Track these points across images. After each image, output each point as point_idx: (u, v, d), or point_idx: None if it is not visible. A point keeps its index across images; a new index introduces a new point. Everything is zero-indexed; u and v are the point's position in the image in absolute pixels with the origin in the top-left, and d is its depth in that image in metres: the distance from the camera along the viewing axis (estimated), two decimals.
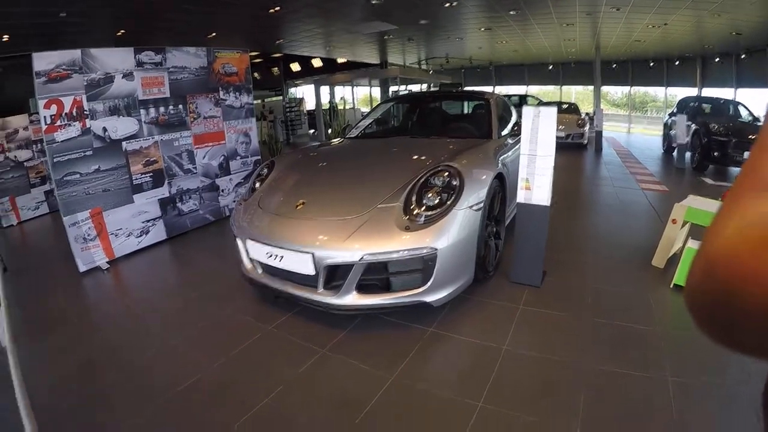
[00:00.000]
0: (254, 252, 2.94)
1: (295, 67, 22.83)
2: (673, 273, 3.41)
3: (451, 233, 2.68)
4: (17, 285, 4.14)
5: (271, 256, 2.78)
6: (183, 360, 2.60)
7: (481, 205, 2.96)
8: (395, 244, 2.55)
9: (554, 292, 3.32)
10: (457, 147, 3.62)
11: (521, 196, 3.35)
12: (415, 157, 3.54)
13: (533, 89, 23.51)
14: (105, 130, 4.36)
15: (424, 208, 2.74)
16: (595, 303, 3.16)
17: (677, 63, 18.41)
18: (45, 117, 3.98)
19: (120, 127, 4.47)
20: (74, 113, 4.13)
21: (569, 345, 2.61)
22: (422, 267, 2.62)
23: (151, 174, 4.76)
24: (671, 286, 3.35)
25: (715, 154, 8.45)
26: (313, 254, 2.59)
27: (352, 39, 14.47)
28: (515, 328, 2.79)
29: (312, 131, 18.73)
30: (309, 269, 2.62)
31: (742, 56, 14.63)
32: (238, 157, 5.79)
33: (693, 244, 3.37)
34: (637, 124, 21.98)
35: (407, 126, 5.31)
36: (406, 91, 17.89)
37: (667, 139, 11.61)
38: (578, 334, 2.74)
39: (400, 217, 2.68)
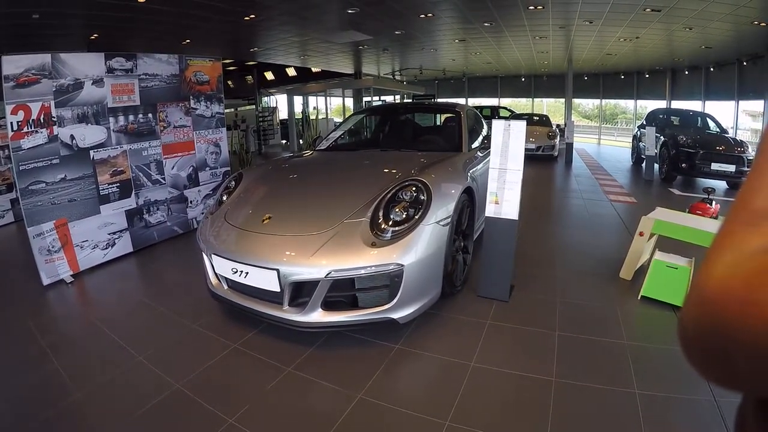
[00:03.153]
0: (220, 267, 2.88)
1: (270, 76, 22.71)
2: (640, 285, 3.48)
3: (418, 249, 2.67)
4: None
5: (236, 272, 2.72)
6: (148, 379, 2.52)
7: (449, 219, 2.96)
8: (361, 261, 2.53)
9: (522, 306, 3.33)
10: (427, 160, 3.64)
11: (490, 210, 3.37)
12: (384, 170, 3.53)
13: (506, 101, 23.89)
14: (73, 138, 4.22)
15: (391, 223, 2.73)
16: (563, 317, 3.17)
17: (647, 75, 18.98)
18: (12, 123, 3.82)
19: (88, 135, 4.34)
20: (42, 120, 3.99)
21: (537, 360, 2.62)
22: (388, 283, 2.60)
23: (119, 184, 4.63)
24: (638, 297, 3.42)
25: (683, 165, 8.72)
26: (278, 271, 2.55)
27: (327, 48, 14.45)
28: (483, 343, 2.79)
29: (285, 141, 18.58)
30: (274, 286, 2.58)
31: (711, 69, 15.12)
32: (208, 168, 5.70)
33: (660, 257, 3.46)
34: (607, 135, 22.53)
35: (377, 138, 5.33)
36: (380, 102, 17.97)
37: (636, 151, 11.92)
38: (546, 349, 2.75)
39: (367, 232, 2.66)
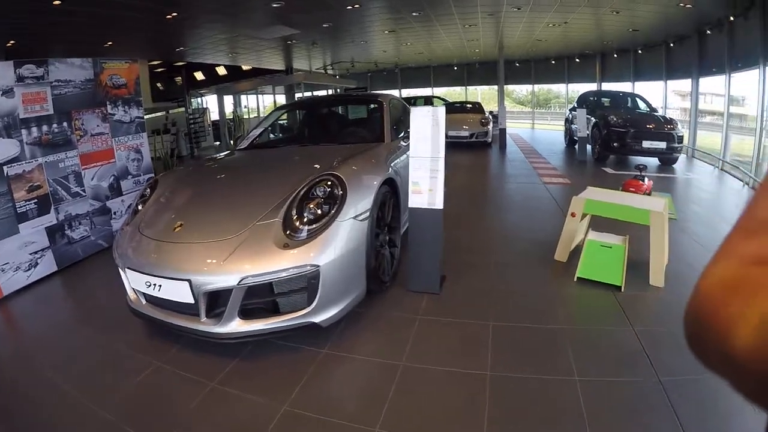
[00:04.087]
0: (134, 282, 2.75)
1: (199, 76, 21.92)
2: (575, 266, 3.52)
3: (335, 247, 2.58)
4: None
5: (150, 285, 2.60)
6: (70, 409, 2.39)
7: (368, 214, 2.89)
8: (274, 264, 2.43)
9: (455, 297, 3.30)
10: (346, 153, 3.54)
11: (412, 201, 3.32)
12: (300, 166, 3.45)
13: (440, 91, 24.22)
14: None
15: (305, 221, 2.63)
16: (498, 305, 3.15)
17: (578, 60, 19.66)
18: None
19: (1, 149, 4.03)
20: None
21: (471, 353, 2.57)
22: (305, 286, 2.50)
23: (36, 200, 4.33)
24: (575, 279, 3.46)
25: (615, 144, 9.10)
26: (190, 281, 2.43)
27: (256, 45, 14.10)
28: (413, 340, 2.73)
29: (218, 143, 18.04)
30: (188, 297, 2.47)
31: (640, 51, 15.87)
32: (130, 176, 5.44)
33: (593, 236, 3.51)
34: (541, 120, 23.30)
35: (298, 133, 5.25)
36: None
37: (569, 133, 12.39)
38: (480, 340, 2.70)
39: (280, 233, 2.56)
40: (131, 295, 2.90)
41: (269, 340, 2.73)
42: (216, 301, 2.51)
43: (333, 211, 2.67)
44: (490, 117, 13.40)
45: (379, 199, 3.11)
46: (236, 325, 2.45)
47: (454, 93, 25.43)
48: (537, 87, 23.58)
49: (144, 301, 2.81)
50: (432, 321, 2.95)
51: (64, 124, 4.60)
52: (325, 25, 11.78)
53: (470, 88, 24.59)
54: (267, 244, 2.49)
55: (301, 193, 2.76)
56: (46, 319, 3.69)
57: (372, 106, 5.05)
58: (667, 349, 2.55)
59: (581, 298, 3.30)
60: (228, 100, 20.58)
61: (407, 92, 24.90)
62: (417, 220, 3.33)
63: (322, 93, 20.50)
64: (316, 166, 3.22)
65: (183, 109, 17.50)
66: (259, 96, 22.12)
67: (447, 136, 11.05)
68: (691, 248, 4.34)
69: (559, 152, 11.79)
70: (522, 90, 26.46)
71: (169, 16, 8.95)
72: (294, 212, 2.66)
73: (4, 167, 4.07)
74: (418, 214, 3.30)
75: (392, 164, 3.66)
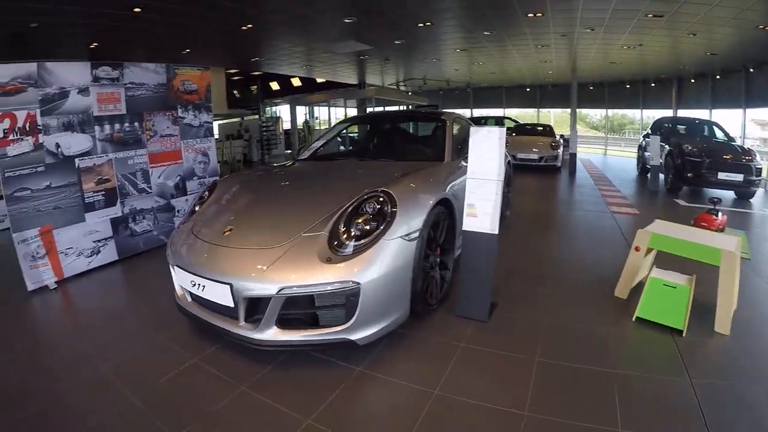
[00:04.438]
0: (181, 279, 2.81)
1: (275, 86, 22.89)
2: (635, 305, 3.21)
3: (379, 265, 2.49)
4: None
5: (195, 284, 2.65)
6: (103, 390, 2.48)
7: (417, 234, 2.78)
8: (314, 277, 2.38)
9: (503, 327, 3.10)
10: (403, 170, 3.47)
11: (467, 224, 3.17)
12: (355, 181, 3.37)
13: (512, 112, 23.83)
14: (58, 146, 4.25)
15: (351, 237, 2.56)
16: (547, 340, 2.92)
17: (653, 84, 18.80)
18: None
19: (73, 143, 4.36)
20: (27, 128, 4.02)
21: (510, 390, 2.39)
22: (344, 302, 2.43)
23: (104, 192, 4.64)
24: (633, 319, 3.16)
25: (689, 174, 8.46)
26: (231, 285, 2.45)
27: (329, 58, 14.54)
28: (452, 369, 2.58)
29: (288, 151, 18.65)
30: (228, 301, 2.49)
31: (718, 77, 14.95)
32: (196, 178, 5.67)
33: (657, 274, 3.19)
34: (614, 146, 22.34)
35: (359, 147, 5.24)
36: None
37: (642, 161, 11.74)
38: (523, 376, 2.51)
39: (324, 247, 2.51)
40: (179, 291, 2.99)
41: (306, 352, 2.71)
42: (256, 307, 2.50)
43: (381, 229, 2.60)
44: (561, 141, 12.99)
45: (432, 219, 3.00)
46: (272, 334, 2.43)
47: (527, 115, 24.92)
48: (611, 112, 22.72)
49: (189, 299, 2.88)
50: (475, 350, 2.79)
51: (136, 124, 4.90)
52: (397, 42, 11.96)
53: (543, 110, 24.04)
54: (310, 257, 2.46)
55: (351, 207, 2.72)
56: (98, 304, 3.91)
57: (435, 124, 4.93)
58: (726, 407, 2.25)
59: (638, 340, 3.01)
60: (300, 110, 21.29)
61: (479, 112, 24.72)
62: (470, 244, 3.17)
63: (393, 109, 20.75)
64: (370, 181, 3.11)
65: (257, 116, 18.29)
66: (331, 108, 22.75)
67: (515, 158, 10.82)
68: (764, 293, 3.91)
69: (630, 180, 11.17)
70: (596, 114, 25.50)
71: (244, 28, 9.42)
72: (341, 227, 2.61)
73: (76, 159, 4.39)
74: (472, 237, 3.15)
75: (450, 185, 3.53)
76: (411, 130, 5.57)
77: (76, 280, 4.34)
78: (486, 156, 3.11)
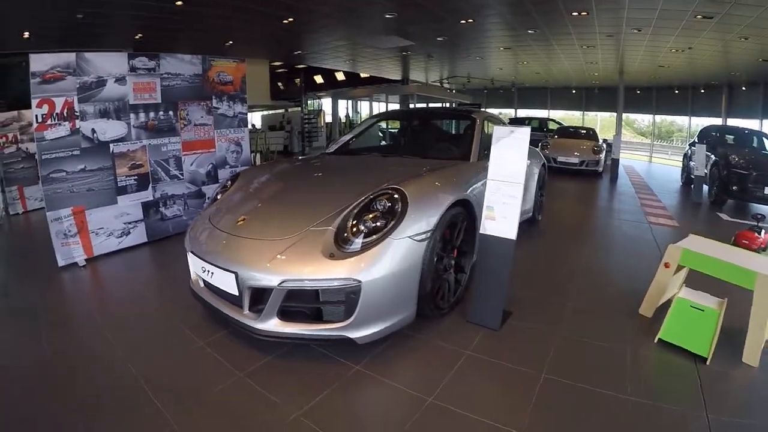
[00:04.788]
0: (194, 265, 2.89)
1: (319, 79, 23.12)
2: (659, 325, 2.95)
3: (383, 265, 2.45)
4: None
5: (205, 271, 2.72)
6: (110, 365, 2.60)
7: (428, 234, 2.70)
8: (315, 273, 2.38)
9: (513, 338, 2.94)
10: (425, 168, 3.40)
11: (484, 227, 3.04)
12: (372, 177, 3.28)
13: (557, 114, 23.27)
14: (94, 131, 4.45)
15: (358, 234, 2.53)
16: (558, 355, 2.73)
17: (702, 91, 17.95)
18: (37, 115, 4.11)
19: (109, 129, 4.56)
20: (65, 114, 4.24)
21: (509, 406, 2.26)
22: (344, 300, 2.40)
23: (136, 177, 4.82)
24: (655, 341, 2.91)
25: (734, 187, 8.00)
26: (236, 274, 2.49)
27: (373, 54, 14.58)
28: (452, 377, 2.48)
29: (329, 143, 18.90)
30: (233, 289, 2.53)
31: None
32: (228, 166, 5.80)
33: (685, 294, 2.95)
34: (661, 153, 21.45)
35: (385, 144, 5.23)
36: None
37: (686, 171, 11.24)
38: (525, 392, 2.36)
39: (329, 242, 2.49)
40: (193, 277, 3.06)
41: (308, 345, 2.71)
42: (260, 297, 2.52)
43: (388, 228, 2.54)
44: (604, 145, 12.57)
45: (447, 220, 2.92)
46: (273, 324, 2.45)
47: (573, 118, 24.25)
48: (659, 118, 21.79)
49: (202, 285, 2.95)
50: (479, 360, 2.66)
51: (170, 112, 5.06)
52: (439, 38, 11.88)
53: (590, 113, 23.36)
54: (314, 252, 2.45)
55: (362, 204, 2.68)
56: (121, 283, 4.11)
57: (465, 122, 4.86)
58: None
59: (657, 364, 2.77)
60: (343, 104, 21.46)
61: (523, 112, 24.28)
62: (486, 248, 3.05)
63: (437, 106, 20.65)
64: (387, 178, 3.06)
65: (299, 108, 18.58)
66: (373, 103, 22.81)
67: (555, 161, 10.53)
68: None
69: (673, 191, 10.69)
70: (644, 120, 24.50)
71: (285, 21, 9.55)
72: (349, 223, 2.58)
73: (111, 145, 4.58)
74: (488, 241, 3.02)
75: (473, 186, 3.43)
76: (440, 128, 5.44)
77: (104, 259, 4.56)
78: (509, 157, 2.98)
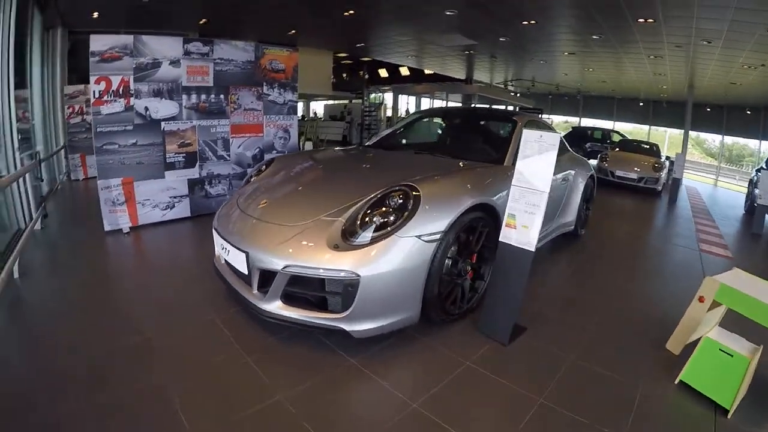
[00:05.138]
0: (216, 242, 3.04)
1: (383, 73, 23.34)
2: (684, 364, 2.67)
3: (386, 261, 2.44)
4: (50, 230, 4.99)
5: (224, 248, 2.87)
6: (124, 328, 2.83)
7: (438, 236, 2.64)
8: (317, 262, 2.42)
9: (520, 355, 2.81)
10: (453, 168, 3.40)
11: (503, 234, 2.93)
12: (397, 173, 3.28)
13: (622, 126, 22.29)
14: (147, 109, 4.75)
15: (367, 228, 2.54)
16: (564, 381, 2.55)
17: None
18: (94, 91, 4.46)
19: (161, 108, 4.85)
20: (120, 91, 4.56)
21: (492, 427, 2.18)
22: (341, 291, 2.44)
23: (185, 155, 5.11)
24: (676, 382, 2.63)
25: None
26: (247, 254, 2.61)
27: (436, 51, 14.58)
28: (444, 386, 2.41)
29: (371, 136, 19.06)
30: (244, 268, 2.66)
31: None
32: (275, 151, 5.98)
33: (715, 335, 2.65)
34: (728, 178, 20.02)
35: (421, 141, 5.16)
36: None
37: (750, 198, 10.52)
38: (515, 416, 2.22)
39: (336, 233, 2.53)
40: (216, 253, 3.22)
41: (310, 332, 2.77)
42: (268, 279, 2.61)
43: (396, 224, 2.52)
44: (666, 163, 11.94)
45: (465, 223, 2.87)
46: (276, 307, 2.54)
47: (640, 132, 23.14)
48: (731, 140, 20.31)
49: (223, 262, 3.08)
50: (477, 373, 2.56)
51: (221, 96, 5.30)
52: (501, 39, 11.73)
53: (659, 128, 22.20)
54: (319, 241, 2.50)
55: (375, 198, 2.69)
56: (158, 252, 4.43)
57: (507, 125, 4.67)
58: None
59: (671, 409, 2.47)
60: (404, 99, 21.52)
61: (588, 122, 23.48)
62: (503, 258, 2.93)
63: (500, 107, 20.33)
64: (410, 174, 3.04)
65: (360, 100, 18.82)
66: (434, 101, 22.72)
67: (614, 175, 10.10)
68: None
69: (733, 218, 9.97)
70: (715, 141, 22.87)
71: (346, 14, 9.73)
72: (358, 216, 2.59)
73: (162, 123, 4.88)
74: (506, 251, 2.90)
75: (501, 191, 3.30)
76: (480, 129, 5.34)
77: (148, 228, 4.90)
78: (536, 163, 2.87)
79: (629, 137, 17.01)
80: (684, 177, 12.37)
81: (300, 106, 29.27)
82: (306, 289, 2.54)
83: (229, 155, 5.52)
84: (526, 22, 9.56)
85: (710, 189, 16.04)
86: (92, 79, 4.41)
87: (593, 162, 10.11)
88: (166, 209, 5.06)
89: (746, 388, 2.45)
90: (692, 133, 22.85)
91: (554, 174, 4.27)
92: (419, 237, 2.56)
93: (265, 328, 2.83)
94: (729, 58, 10.13)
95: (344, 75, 23.33)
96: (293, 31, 12.07)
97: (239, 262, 2.71)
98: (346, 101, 22.41)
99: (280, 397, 2.21)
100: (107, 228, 4.66)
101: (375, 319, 2.52)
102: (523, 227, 2.86)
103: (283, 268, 2.46)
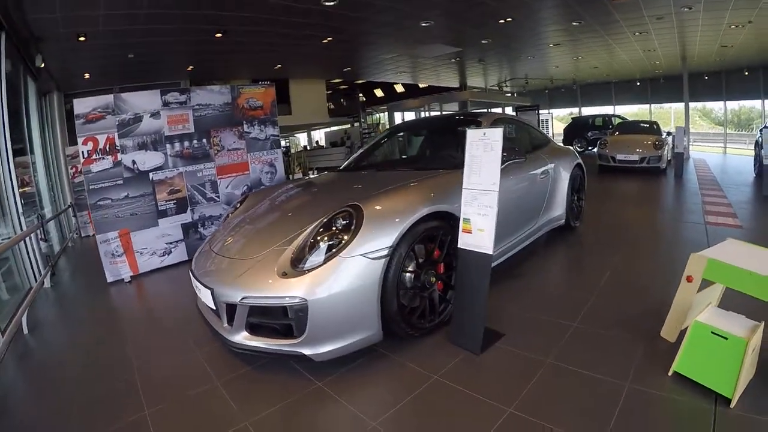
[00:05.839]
0: (193, 283, 3.13)
1: (379, 92, 23.64)
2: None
3: (332, 283, 2.44)
4: (60, 286, 5.34)
5: (197, 288, 2.98)
6: (125, 361, 3.10)
7: (386, 252, 2.60)
8: (267, 291, 2.49)
9: (494, 363, 2.66)
10: (406, 181, 3.29)
11: (461, 240, 2.87)
12: (350, 194, 3.33)
13: (623, 109, 22.08)
14: (134, 162, 5.00)
15: (316, 252, 2.56)
16: (541, 386, 2.37)
17: None
18: (83, 152, 4.73)
19: (147, 160, 5.10)
20: (107, 148, 4.84)
21: None
22: (293, 317, 2.47)
23: (175, 201, 5.33)
24: (669, 373, 2.37)
25: None
26: (212, 290, 2.72)
27: (423, 63, 14.79)
28: (407, 403, 2.34)
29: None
30: (212, 304, 2.77)
31: None
32: (263, 187, 6.10)
33: (706, 317, 2.38)
34: (738, 144, 19.46)
35: (388, 158, 5.06)
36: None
37: (758, 160, 10.20)
38: (480, 431, 2.08)
39: (285, 261, 2.58)
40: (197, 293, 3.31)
41: (285, 359, 2.78)
42: (233, 312, 2.68)
43: (339, 246, 2.54)
44: (669, 139, 11.68)
45: (419, 234, 2.82)
46: (242, 337, 2.60)
47: (644, 113, 22.80)
48: (736, 105, 19.81)
49: (202, 301, 3.16)
50: (445, 387, 2.46)
51: (203, 140, 5.54)
52: (484, 42, 11.83)
53: (664, 106, 21.90)
54: (269, 270, 2.57)
55: (324, 222, 2.72)
56: (158, 297, 4.66)
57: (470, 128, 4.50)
58: None
59: (664, 405, 2.18)
60: (399, 116, 21.75)
61: (588, 110, 23.32)
62: (465, 264, 2.86)
63: (498, 110, 20.39)
64: (362, 194, 3.08)
65: (357, 124, 19.13)
66: (430, 113, 22.86)
67: (614, 160, 10.00)
68: None
69: (743, 184, 9.55)
70: (722, 108, 22.29)
71: (324, 41, 10.03)
72: (305, 242, 2.64)
73: (150, 173, 5.12)
74: (466, 256, 2.84)
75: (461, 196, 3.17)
76: (444, 137, 5.06)
77: (148, 275, 5.14)
78: (482, 163, 2.78)
79: (632, 119, 16.84)
80: (692, 150, 12.04)
81: (303, 136, 29.77)
82: (264, 318, 2.58)
83: (218, 196, 5.71)
84: (503, 21, 9.64)
85: (720, 158, 15.64)
86: (80, 140, 4.70)
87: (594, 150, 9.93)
88: (163, 255, 5.26)
89: (751, 371, 2.24)
90: (698, 104, 22.53)
91: (532, 169, 4.33)
92: (365, 255, 2.55)
93: (242, 360, 2.91)
94: (714, 21, 10.00)
95: (342, 101, 23.70)
96: (279, 66, 12.42)
97: (208, 299, 2.80)
98: (346, 126, 22.75)
99: (247, 423, 2.28)
100: (109, 279, 4.92)
101: (334, 341, 2.52)
102: (479, 231, 2.78)
103: (241, 299, 2.54)
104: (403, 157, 5.10)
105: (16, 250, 4.97)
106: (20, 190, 7.08)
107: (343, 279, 2.47)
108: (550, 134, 19.07)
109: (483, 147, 2.79)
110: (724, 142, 19.44)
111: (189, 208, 5.45)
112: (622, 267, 4.29)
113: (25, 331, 3.77)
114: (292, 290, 2.43)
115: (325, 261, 2.50)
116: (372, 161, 4.91)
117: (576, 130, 17.89)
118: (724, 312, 2.47)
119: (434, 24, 9.36)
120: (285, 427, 2.26)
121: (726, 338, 2.20)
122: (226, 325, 2.71)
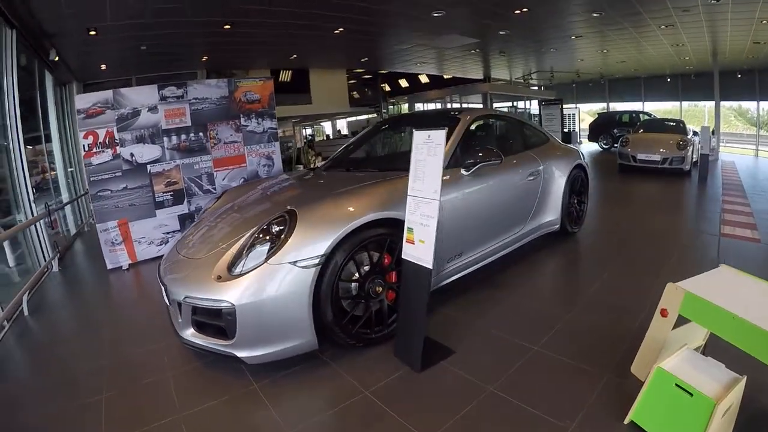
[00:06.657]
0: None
1: (403, 83, 23.56)
2: None
3: (259, 290, 2.44)
4: (67, 270, 5.63)
5: (161, 283, 3.06)
6: (97, 346, 3.36)
7: (317, 260, 2.53)
8: (202, 292, 2.55)
9: (431, 385, 2.49)
10: (366, 183, 3.18)
11: (405, 251, 2.73)
12: (301, 197, 3.40)
13: (651, 106, 21.39)
14: (132, 155, 5.21)
15: (249, 257, 2.57)
16: (468, 422, 2.15)
17: None
18: (84, 145, 4.97)
19: (145, 152, 5.30)
20: (107, 142, 5.05)
21: None
22: (224, 321, 2.51)
23: (172, 193, 5.52)
24: (626, 422, 2.04)
25: None
26: (165, 286, 2.84)
27: (445, 54, 14.61)
28: (327, 417, 2.32)
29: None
30: (165, 299, 2.89)
31: None
32: (242, 182, 6.06)
33: (675, 364, 2.03)
34: None
35: (355, 158, 4.77)
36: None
37: None
38: None
39: (222, 265, 2.62)
40: None
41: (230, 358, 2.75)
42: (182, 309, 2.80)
43: (270, 252, 2.53)
44: (695, 139, 11.09)
45: (361, 241, 2.74)
46: (190, 334, 2.68)
47: (674, 110, 21.98)
48: None
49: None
50: (371, 404, 2.35)
51: (200, 133, 5.68)
52: (501, 33, 11.59)
53: (698, 104, 21.03)
54: (206, 273, 2.63)
55: (262, 227, 2.70)
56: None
57: (448, 125, 3.76)
58: None
59: None
60: (420, 107, 21.64)
61: (617, 106, 22.71)
62: (407, 276, 2.73)
63: (521, 104, 20.09)
64: (309, 197, 3.10)
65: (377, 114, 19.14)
66: (451, 104, 22.63)
67: (635, 159, 9.62)
68: None
69: None
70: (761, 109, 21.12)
71: (336, 32, 10.07)
72: (242, 246, 2.65)
73: (148, 166, 5.32)
74: (409, 268, 2.70)
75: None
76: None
77: (145, 263, 5.37)
78: (425, 167, 2.61)
79: (661, 117, 16.28)
80: (723, 151, 11.31)
81: (328, 125, 29.91)
82: (204, 318, 2.64)
83: (214, 188, 5.85)
84: (518, 11, 9.43)
85: (750, 160, 14.85)
86: (81, 134, 4.94)
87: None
88: (161, 245, 5.46)
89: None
90: (734, 104, 21.56)
91: (515, 171, 4.18)
92: (294, 263, 2.50)
93: (195, 355, 2.98)
94: (745, 16, 9.55)
95: (366, 90, 23.69)
96: (294, 56, 12.52)
97: (164, 295, 2.93)
98: (370, 116, 22.75)
99: (179, 416, 2.38)
100: (109, 266, 5.19)
101: (265, 346, 2.54)
102: (419, 242, 2.62)
103: (183, 298, 2.63)
104: (380, 155, 4.93)
105: (27, 236, 5.27)
106: (40, 176, 7.48)
107: (271, 287, 2.46)
108: (576, 130, 18.67)
109: (427, 150, 2.62)
110: (756, 144, 18.42)
111: (186, 199, 5.63)
112: (610, 282, 3.92)
113: (26, 312, 4.04)
114: (222, 294, 2.47)
115: (255, 267, 2.50)
116: (350, 159, 4.70)
117: (602, 126, 17.44)
118: (700, 358, 2.11)
119: (446, 14, 9.19)
120: (209, 425, 2.31)
121: (691, 394, 1.85)
122: (180, 320, 2.78)
